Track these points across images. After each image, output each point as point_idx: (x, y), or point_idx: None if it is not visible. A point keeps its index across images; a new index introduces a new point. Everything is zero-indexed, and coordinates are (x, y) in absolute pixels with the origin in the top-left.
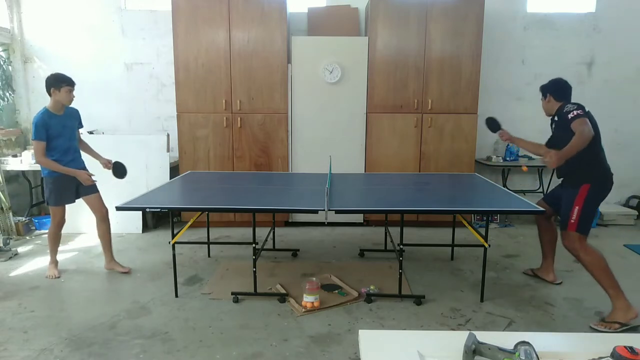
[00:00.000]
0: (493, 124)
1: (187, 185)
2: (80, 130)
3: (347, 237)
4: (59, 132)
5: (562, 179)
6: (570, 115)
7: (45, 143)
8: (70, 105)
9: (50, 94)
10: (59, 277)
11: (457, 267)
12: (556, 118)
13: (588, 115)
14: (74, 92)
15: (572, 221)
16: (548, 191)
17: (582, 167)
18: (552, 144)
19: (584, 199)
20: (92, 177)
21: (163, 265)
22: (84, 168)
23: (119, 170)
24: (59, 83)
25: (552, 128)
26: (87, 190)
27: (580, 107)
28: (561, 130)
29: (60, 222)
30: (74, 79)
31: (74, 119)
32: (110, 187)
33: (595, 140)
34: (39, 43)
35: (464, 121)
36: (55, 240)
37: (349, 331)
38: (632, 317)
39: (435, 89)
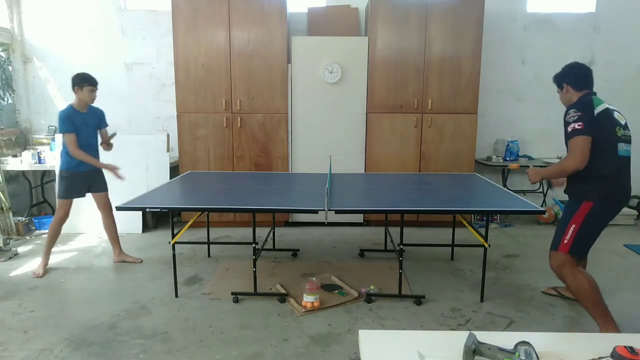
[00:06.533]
0: None
1: (187, 185)
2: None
3: (347, 237)
4: (79, 128)
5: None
6: (568, 129)
7: (75, 135)
8: (96, 105)
9: (75, 92)
10: (41, 277)
11: (457, 267)
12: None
13: (592, 123)
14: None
15: (566, 241)
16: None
17: (584, 181)
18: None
19: (584, 218)
20: (119, 170)
21: (163, 265)
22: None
23: None
24: (81, 82)
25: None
26: (98, 187)
27: (583, 116)
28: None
29: (64, 216)
30: (73, 78)
31: (95, 118)
32: (110, 187)
33: (602, 153)
34: (39, 43)
35: (464, 121)
36: (55, 236)
37: (349, 331)
38: None
39: (435, 89)
